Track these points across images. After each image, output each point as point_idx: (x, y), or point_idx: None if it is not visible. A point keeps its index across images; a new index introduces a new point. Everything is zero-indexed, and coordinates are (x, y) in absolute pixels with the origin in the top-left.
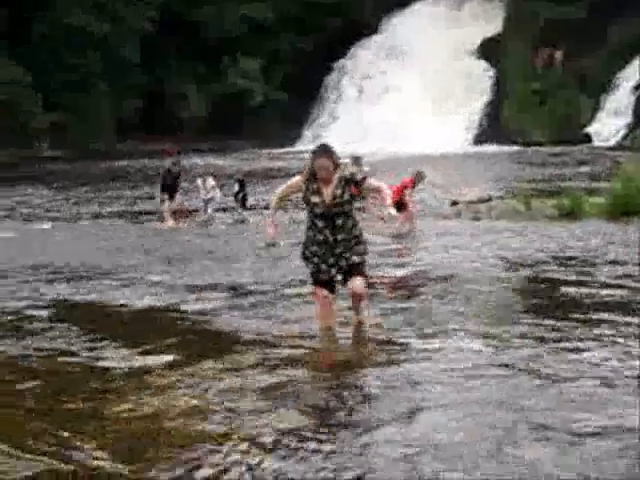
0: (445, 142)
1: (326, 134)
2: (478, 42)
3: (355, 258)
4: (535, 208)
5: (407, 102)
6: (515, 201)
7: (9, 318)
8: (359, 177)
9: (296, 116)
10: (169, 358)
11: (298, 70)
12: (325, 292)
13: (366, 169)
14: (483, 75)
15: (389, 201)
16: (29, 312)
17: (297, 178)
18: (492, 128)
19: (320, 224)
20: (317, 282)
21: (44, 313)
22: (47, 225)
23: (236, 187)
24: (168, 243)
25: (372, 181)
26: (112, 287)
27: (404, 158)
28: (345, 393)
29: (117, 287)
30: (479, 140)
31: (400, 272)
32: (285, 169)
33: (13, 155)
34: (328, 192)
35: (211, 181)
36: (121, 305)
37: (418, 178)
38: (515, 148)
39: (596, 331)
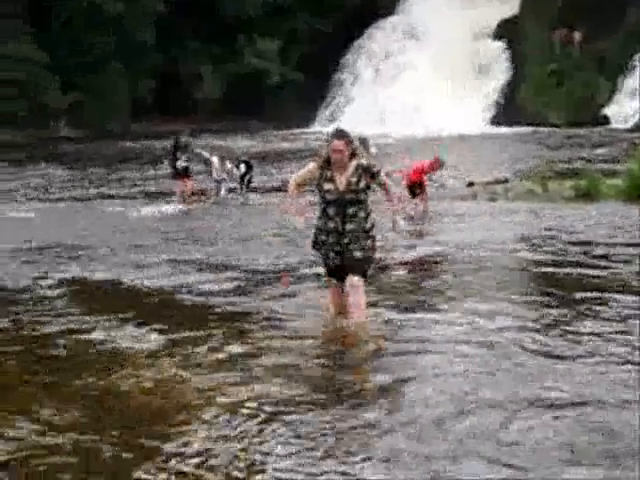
0: (461, 123)
1: (341, 115)
2: (495, 23)
3: (358, 254)
4: (552, 189)
5: (423, 83)
6: (532, 182)
7: (24, 296)
8: (376, 169)
9: (312, 97)
10: (178, 336)
11: (315, 51)
12: (335, 282)
13: (373, 151)
14: (499, 56)
15: (399, 207)
16: (43, 292)
17: (312, 164)
18: (508, 109)
19: (331, 212)
20: (327, 271)
21: (57, 292)
22: (61, 205)
23: (242, 168)
24: (182, 224)
25: (383, 177)
26: (126, 267)
27: (420, 139)
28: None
29: (131, 267)
30: (495, 121)
31: (415, 253)
32: (299, 150)
33: (30, 135)
34: (342, 179)
35: (228, 163)
36: (135, 285)
37: (439, 165)
38: (532, 129)
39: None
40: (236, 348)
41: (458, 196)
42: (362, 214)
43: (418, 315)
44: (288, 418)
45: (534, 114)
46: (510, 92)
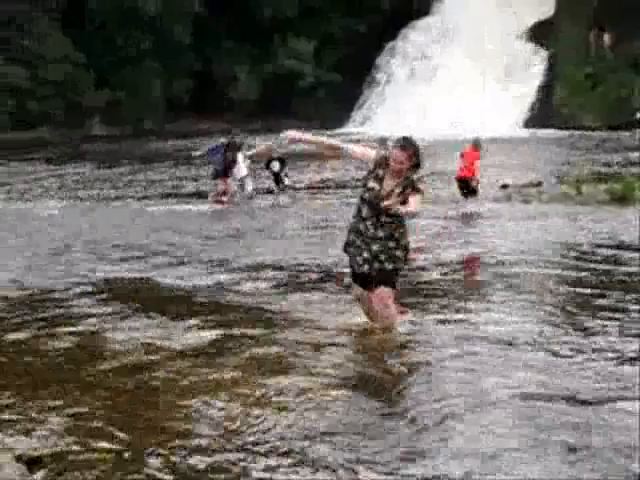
0: (495, 125)
1: (376, 116)
2: (530, 24)
3: (390, 265)
4: (586, 193)
5: (457, 85)
6: (566, 185)
7: (55, 295)
8: (419, 186)
9: (346, 98)
10: (215, 335)
11: (350, 52)
12: (359, 291)
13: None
14: (535, 58)
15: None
16: (73, 290)
17: (373, 153)
18: (543, 112)
19: (365, 212)
20: (352, 276)
21: (88, 290)
22: (93, 203)
23: (277, 166)
24: (216, 223)
25: (417, 197)
26: (161, 266)
27: (453, 141)
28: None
29: (166, 266)
30: (530, 124)
31: (449, 255)
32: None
33: (65, 134)
34: (389, 184)
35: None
36: (168, 284)
37: (478, 146)
38: (566, 132)
39: None
40: (271, 349)
41: (492, 198)
42: (395, 224)
43: (445, 317)
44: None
45: (569, 116)
46: (545, 94)
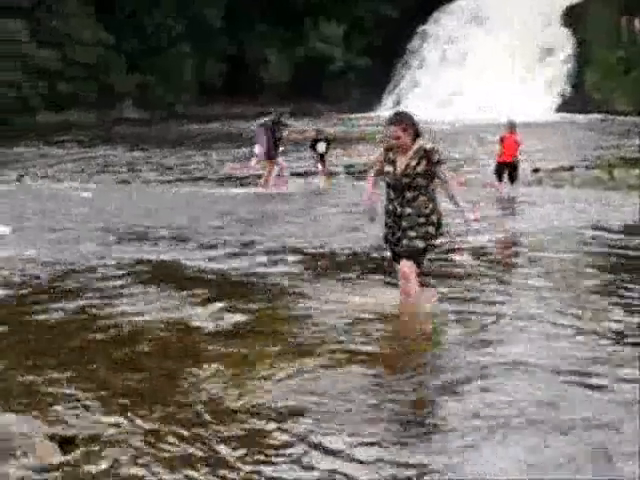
0: (527, 110)
1: (407, 100)
2: (562, 9)
3: (419, 243)
4: (618, 177)
5: (489, 69)
6: (598, 170)
7: (90, 276)
8: (436, 158)
9: (378, 81)
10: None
11: (381, 36)
12: (398, 266)
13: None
14: (567, 42)
15: (467, 210)
16: (106, 271)
17: (380, 149)
18: (575, 96)
19: (392, 195)
20: (393, 258)
21: (121, 272)
22: (123, 186)
23: (322, 147)
24: (248, 207)
25: (444, 170)
26: (190, 249)
27: (485, 125)
28: None
29: (194, 249)
30: (562, 108)
31: (481, 239)
32: (361, 134)
33: (97, 116)
34: (402, 161)
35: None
36: (199, 267)
37: (514, 127)
38: (599, 117)
39: None
40: (297, 330)
41: (524, 182)
42: (422, 199)
43: (471, 303)
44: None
45: (601, 101)
46: (577, 79)
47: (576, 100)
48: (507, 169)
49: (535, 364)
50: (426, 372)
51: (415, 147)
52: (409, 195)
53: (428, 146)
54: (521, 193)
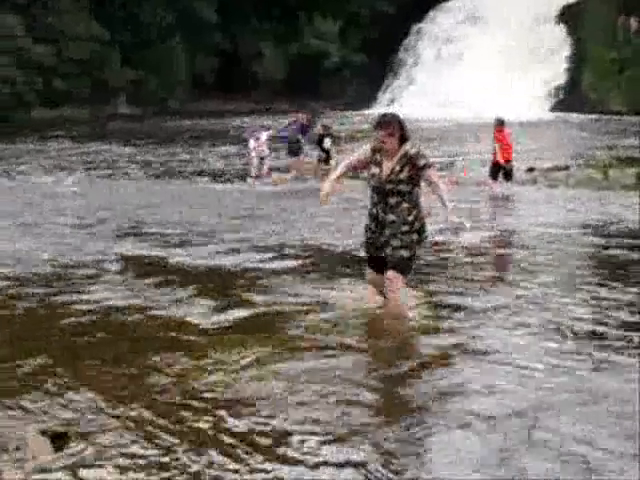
0: (523, 109)
1: (402, 98)
2: (558, 8)
3: (403, 253)
4: (613, 177)
5: (484, 68)
6: (593, 170)
7: (86, 272)
8: (422, 162)
9: (373, 79)
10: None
11: (377, 33)
12: (373, 275)
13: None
14: (563, 42)
15: (449, 206)
16: (101, 267)
17: (367, 147)
18: (571, 95)
19: (375, 199)
20: (367, 259)
21: (115, 268)
22: (115, 181)
23: (328, 143)
24: (244, 203)
25: (432, 173)
26: (184, 244)
27: (479, 124)
28: None
29: (188, 245)
30: (557, 107)
31: (473, 237)
32: (355, 131)
33: (90, 113)
34: (388, 166)
35: (264, 135)
36: (194, 264)
37: (503, 124)
38: (594, 116)
39: None
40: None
41: (518, 181)
42: (405, 206)
43: (464, 300)
44: None
45: (597, 100)
46: (572, 78)
47: (572, 99)
48: (502, 169)
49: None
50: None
51: (401, 152)
52: (392, 201)
53: (412, 151)
54: (515, 192)
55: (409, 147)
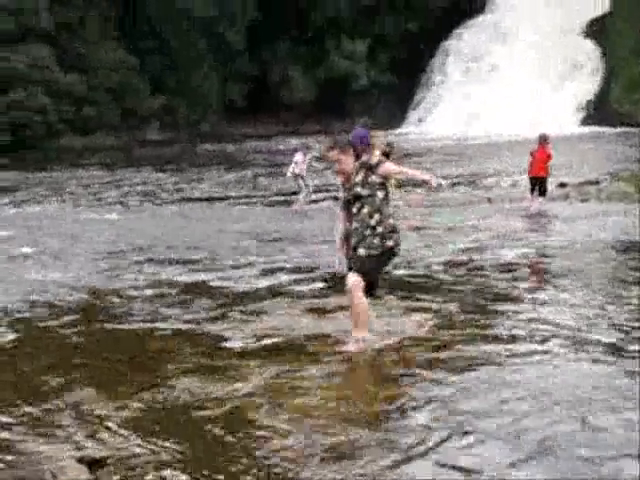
0: (552, 123)
1: (430, 116)
2: (586, 21)
3: (360, 251)
4: None
5: (513, 83)
6: (625, 183)
7: (118, 300)
8: (374, 160)
9: (401, 98)
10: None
11: (404, 52)
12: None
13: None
14: (591, 55)
15: (424, 176)
16: (130, 293)
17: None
18: (600, 109)
19: (344, 215)
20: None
21: (147, 293)
22: (149, 207)
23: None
24: (277, 226)
25: (388, 165)
26: (217, 269)
27: (509, 141)
28: None
29: (223, 269)
30: (587, 121)
31: (506, 255)
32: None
33: (121, 138)
34: (354, 179)
35: (301, 155)
36: (226, 287)
37: (545, 140)
38: (623, 129)
39: None
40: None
41: (550, 197)
42: (365, 211)
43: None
44: None
45: (625, 114)
46: (601, 92)
47: (601, 113)
48: (536, 183)
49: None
50: None
51: (357, 165)
52: (354, 209)
53: (364, 159)
54: (548, 208)
55: (362, 159)
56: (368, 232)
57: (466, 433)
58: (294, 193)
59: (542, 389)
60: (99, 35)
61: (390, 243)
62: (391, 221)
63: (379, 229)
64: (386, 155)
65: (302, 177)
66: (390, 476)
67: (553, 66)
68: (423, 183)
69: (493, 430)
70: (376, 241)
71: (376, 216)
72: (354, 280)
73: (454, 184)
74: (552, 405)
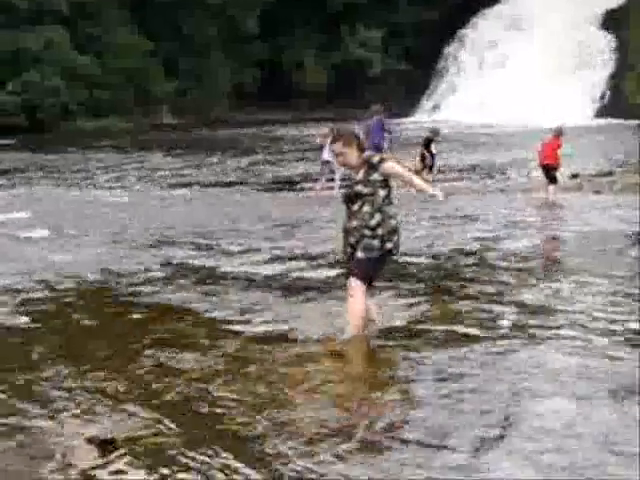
0: (566, 115)
1: (445, 105)
2: (602, 13)
3: (359, 254)
4: None
5: (527, 73)
6: (638, 175)
7: (128, 280)
8: (375, 159)
9: (415, 86)
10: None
11: (420, 40)
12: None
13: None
14: (606, 46)
15: (422, 185)
16: (151, 275)
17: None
18: (614, 101)
19: (346, 211)
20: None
21: (159, 274)
22: (160, 191)
23: (435, 148)
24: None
25: (391, 165)
26: (228, 253)
27: (522, 131)
28: None
29: (233, 254)
30: (601, 113)
31: (520, 244)
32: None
33: (134, 122)
34: (356, 177)
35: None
36: (238, 272)
37: (560, 134)
38: (638, 122)
39: None
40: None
41: (563, 188)
42: (366, 209)
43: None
44: None
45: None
46: (616, 84)
47: (615, 105)
48: (546, 172)
49: None
50: None
51: (361, 160)
52: (354, 207)
53: (367, 154)
54: (561, 199)
55: (364, 153)
56: (367, 232)
57: None
58: (330, 180)
59: None
60: (114, 18)
61: (389, 245)
62: (393, 222)
63: (379, 231)
64: (429, 141)
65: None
66: None
67: (568, 57)
68: (419, 192)
69: None
70: (375, 243)
71: (377, 216)
72: (355, 285)
73: (467, 172)
74: None
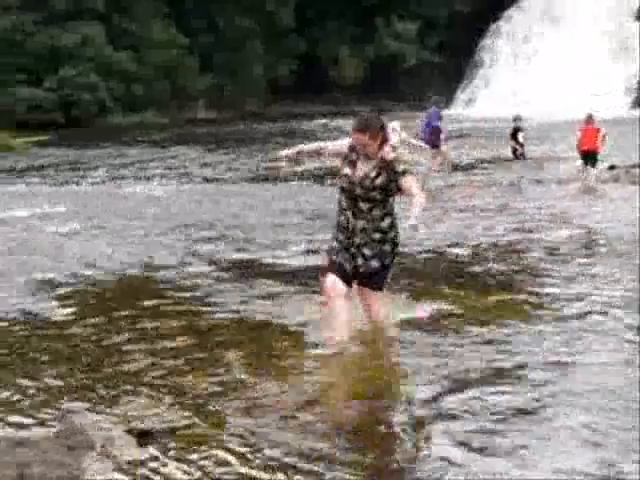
0: (603, 106)
1: (479, 98)
2: (637, 4)
3: (374, 264)
4: None
5: (564, 65)
6: None
7: (169, 275)
8: (401, 168)
9: (451, 79)
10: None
11: (455, 33)
12: (335, 279)
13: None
14: None
15: (414, 210)
16: (185, 270)
17: (346, 141)
18: None
19: (344, 203)
20: (330, 266)
21: (198, 271)
22: (197, 185)
23: (520, 138)
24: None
25: (410, 181)
26: (267, 247)
27: (559, 123)
28: None
29: (270, 247)
30: (638, 104)
31: (556, 235)
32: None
33: (170, 117)
34: (362, 169)
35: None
36: (277, 264)
37: (591, 118)
38: None
39: None
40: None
41: (600, 179)
42: (377, 212)
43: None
44: None
45: None
46: None
47: None
48: (588, 157)
49: None
50: None
51: (379, 156)
52: (364, 206)
53: (389, 156)
54: (598, 190)
55: (387, 150)
56: (378, 236)
57: None
58: None
59: None
60: (149, 13)
61: (399, 248)
62: (397, 221)
63: (391, 234)
64: (517, 130)
65: None
66: None
67: (603, 48)
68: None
69: None
70: (387, 248)
71: (387, 219)
72: (375, 296)
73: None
74: None
